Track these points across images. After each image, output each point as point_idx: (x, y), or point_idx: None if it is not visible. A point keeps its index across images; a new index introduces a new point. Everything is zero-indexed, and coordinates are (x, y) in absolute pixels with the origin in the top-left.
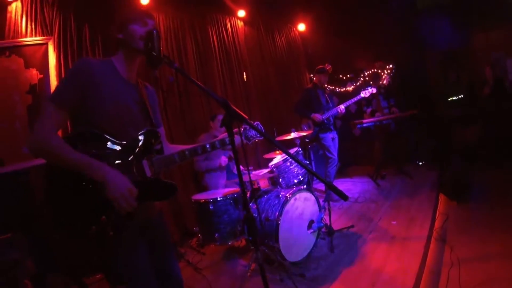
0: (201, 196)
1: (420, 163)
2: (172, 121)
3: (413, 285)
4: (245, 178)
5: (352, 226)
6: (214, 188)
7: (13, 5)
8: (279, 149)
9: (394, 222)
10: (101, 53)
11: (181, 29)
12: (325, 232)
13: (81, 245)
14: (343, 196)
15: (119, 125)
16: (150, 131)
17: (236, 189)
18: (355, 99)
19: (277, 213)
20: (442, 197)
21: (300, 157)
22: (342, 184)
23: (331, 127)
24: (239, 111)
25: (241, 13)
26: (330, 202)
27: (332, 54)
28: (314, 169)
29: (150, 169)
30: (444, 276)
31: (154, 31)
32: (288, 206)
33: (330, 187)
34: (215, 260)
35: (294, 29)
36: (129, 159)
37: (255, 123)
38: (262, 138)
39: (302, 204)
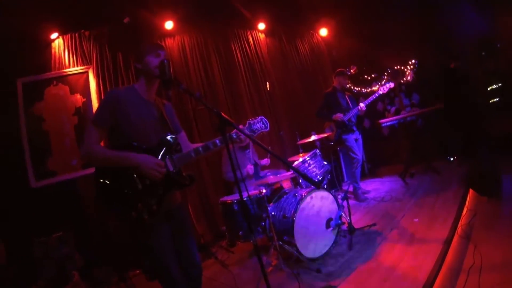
0: (227, 198)
1: (452, 159)
2: (202, 132)
3: (424, 282)
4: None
5: (374, 225)
6: None
7: (56, 41)
8: (265, 150)
9: (416, 220)
10: (133, 75)
11: (205, 47)
12: (346, 231)
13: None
14: (314, 183)
15: (144, 135)
16: (170, 137)
17: (260, 190)
18: (374, 96)
19: (292, 210)
20: (471, 193)
21: (318, 159)
22: (371, 184)
23: (354, 127)
24: (228, 119)
25: (261, 26)
26: (357, 202)
27: (357, 55)
28: (344, 170)
29: (172, 164)
30: (463, 274)
31: (165, 61)
32: (303, 204)
33: (304, 177)
34: (242, 257)
35: (316, 34)
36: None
37: (259, 118)
38: (267, 130)
39: (319, 203)
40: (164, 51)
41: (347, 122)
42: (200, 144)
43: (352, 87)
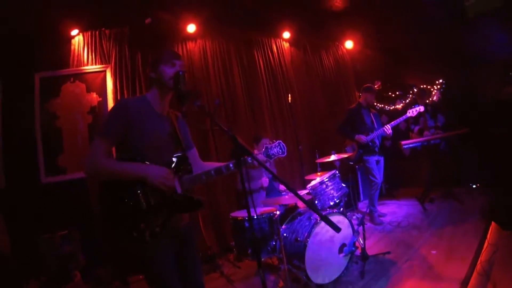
0: (238, 214)
1: (474, 186)
2: (219, 142)
3: None
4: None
5: (389, 253)
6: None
7: (76, 38)
8: (278, 179)
9: (434, 252)
10: None
11: (227, 53)
12: (359, 257)
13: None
14: (335, 228)
15: (155, 152)
16: (180, 156)
17: (273, 208)
18: (402, 118)
19: (306, 234)
20: (493, 226)
21: (337, 180)
22: (388, 207)
23: (376, 149)
24: (243, 145)
25: (286, 34)
26: (372, 225)
27: (381, 70)
28: (361, 190)
29: (181, 186)
30: None
31: (181, 72)
32: (318, 229)
33: (323, 218)
34: (248, 274)
35: (342, 46)
36: None
37: (276, 142)
38: (284, 155)
39: None
40: (180, 61)
41: (370, 144)
42: (212, 166)
43: (375, 103)
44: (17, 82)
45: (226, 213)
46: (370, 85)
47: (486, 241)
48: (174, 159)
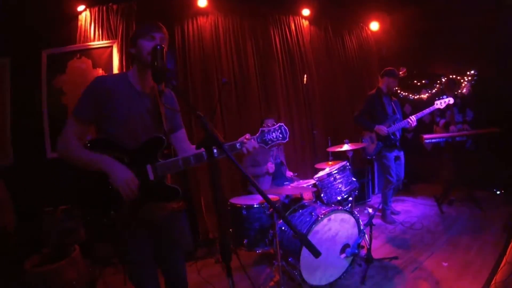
0: (238, 200)
1: (498, 192)
2: (227, 120)
3: None
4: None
5: (396, 258)
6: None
7: (83, 14)
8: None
9: (445, 264)
10: None
11: (241, 30)
12: (363, 258)
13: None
14: (314, 253)
15: (130, 132)
16: (155, 138)
17: (275, 197)
18: (429, 110)
19: (304, 231)
20: None
21: (347, 173)
22: (403, 204)
23: (397, 143)
24: (217, 136)
25: (306, 11)
26: (383, 223)
27: (408, 56)
28: (376, 182)
29: (153, 173)
30: None
31: (159, 47)
32: (318, 226)
33: (302, 241)
34: (244, 263)
35: (366, 28)
36: (135, 163)
37: (277, 125)
38: (285, 141)
39: (337, 226)
40: (161, 33)
41: (392, 137)
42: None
43: (398, 91)
44: (24, 60)
45: (229, 197)
46: (391, 68)
47: (505, 258)
48: (150, 142)
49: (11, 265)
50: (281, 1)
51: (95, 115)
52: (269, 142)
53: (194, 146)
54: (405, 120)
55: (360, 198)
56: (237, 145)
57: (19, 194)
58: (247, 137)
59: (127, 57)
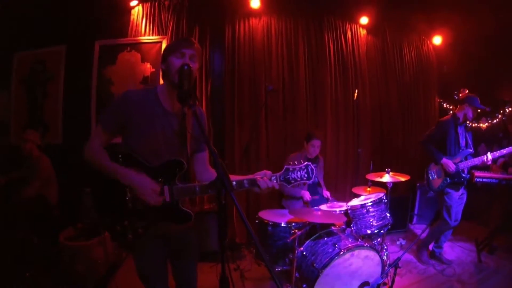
0: (267, 215)
1: None
2: (272, 125)
3: None
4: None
5: None
6: None
7: (136, 9)
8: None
9: None
10: (208, 51)
11: (294, 34)
12: None
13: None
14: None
15: (152, 150)
16: (175, 161)
17: (304, 220)
18: (510, 149)
19: (324, 263)
20: None
21: (382, 207)
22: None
23: (466, 182)
24: (227, 178)
25: (364, 20)
26: (414, 259)
27: (471, 77)
28: (416, 211)
29: (170, 195)
30: None
31: (185, 67)
32: (339, 260)
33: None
34: (264, 275)
35: (428, 42)
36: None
37: (303, 164)
38: (310, 181)
39: (359, 262)
40: (191, 50)
41: (462, 174)
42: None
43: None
44: (79, 48)
45: (264, 208)
46: (475, 96)
47: None
48: (170, 164)
49: (49, 233)
50: (339, 6)
51: (120, 128)
52: (292, 181)
53: (213, 170)
54: (479, 157)
55: (396, 226)
56: (245, 183)
57: (63, 171)
58: (266, 173)
59: None
